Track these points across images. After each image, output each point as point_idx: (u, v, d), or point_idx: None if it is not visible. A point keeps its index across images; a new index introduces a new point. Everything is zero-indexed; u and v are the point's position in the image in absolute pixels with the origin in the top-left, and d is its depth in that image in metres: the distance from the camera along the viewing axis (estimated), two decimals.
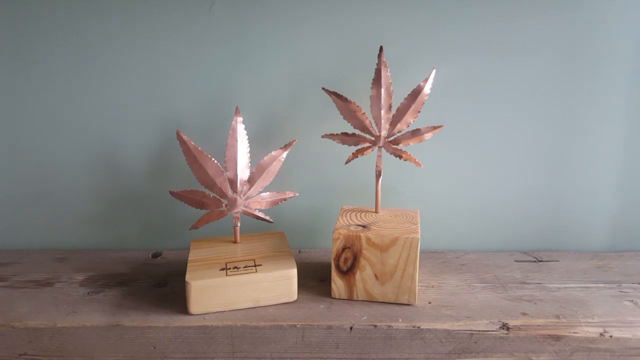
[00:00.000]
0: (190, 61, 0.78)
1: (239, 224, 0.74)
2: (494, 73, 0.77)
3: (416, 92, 0.69)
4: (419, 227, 0.68)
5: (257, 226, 0.80)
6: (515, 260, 0.81)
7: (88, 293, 0.71)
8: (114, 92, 0.79)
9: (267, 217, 0.76)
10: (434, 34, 0.75)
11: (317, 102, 0.78)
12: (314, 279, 0.74)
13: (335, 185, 0.82)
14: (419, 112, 0.70)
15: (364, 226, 0.68)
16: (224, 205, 0.73)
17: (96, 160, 0.82)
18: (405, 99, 0.70)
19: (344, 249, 0.66)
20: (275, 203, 0.76)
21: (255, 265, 0.67)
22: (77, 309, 0.67)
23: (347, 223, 0.68)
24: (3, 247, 0.86)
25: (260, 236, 0.76)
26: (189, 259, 0.70)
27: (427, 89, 0.69)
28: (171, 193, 0.73)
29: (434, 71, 0.70)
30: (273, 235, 0.77)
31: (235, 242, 0.75)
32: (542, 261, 0.81)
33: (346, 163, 0.73)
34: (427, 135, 0.70)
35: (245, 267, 0.67)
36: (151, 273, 0.77)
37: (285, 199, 0.76)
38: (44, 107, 0.80)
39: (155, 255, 0.83)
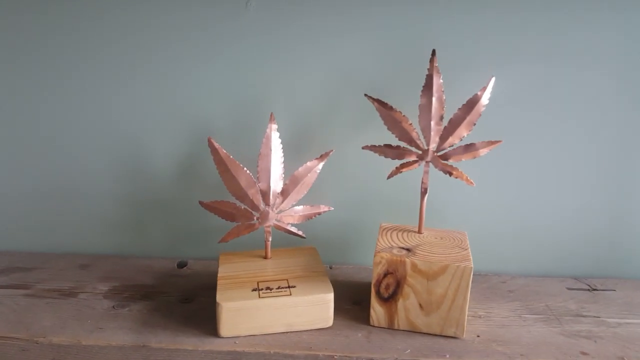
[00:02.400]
0: (224, 62, 0.72)
1: (270, 239, 0.69)
2: (555, 83, 0.70)
3: (472, 103, 0.63)
4: (470, 253, 0.61)
5: (286, 240, 0.75)
6: (567, 288, 0.74)
7: (113, 307, 0.67)
8: (143, 92, 0.74)
9: (300, 232, 0.71)
10: (492, 39, 0.69)
11: (358, 109, 0.72)
12: (348, 300, 0.69)
13: (373, 200, 0.76)
14: (474, 124, 0.63)
15: (408, 250, 0.62)
16: (255, 218, 0.68)
17: (122, 162, 0.77)
18: (459, 109, 0.63)
19: (385, 275, 0.60)
20: (308, 217, 0.70)
21: (289, 287, 0.62)
22: (102, 324, 0.63)
23: (389, 245, 0.63)
24: (25, 250, 0.82)
25: (292, 252, 0.71)
26: (218, 275, 0.65)
27: (484, 99, 0.63)
28: (201, 204, 0.68)
29: (493, 80, 0.63)
30: (305, 251, 0.71)
31: (265, 257, 0.69)
32: (596, 290, 0.74)
33: (388, 178, 0.67)
34: (483, 151, 0.63)
35: (278, 288, 0.62)
36: (177, 285, 0.73)
37: (319, 214, 0.71)
38: (68, 106, 0.76)
39: (181, 265, 0.79)
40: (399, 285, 0.60)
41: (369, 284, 0.62)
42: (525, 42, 0.68)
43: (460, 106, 0.63)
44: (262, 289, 0.61)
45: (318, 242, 0.76)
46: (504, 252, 0.77)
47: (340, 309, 0.66)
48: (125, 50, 0.73)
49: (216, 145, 0.65)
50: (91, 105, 0.75)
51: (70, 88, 0.75)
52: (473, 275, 0.76)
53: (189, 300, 0.69)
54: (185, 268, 0.78)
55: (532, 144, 0.72)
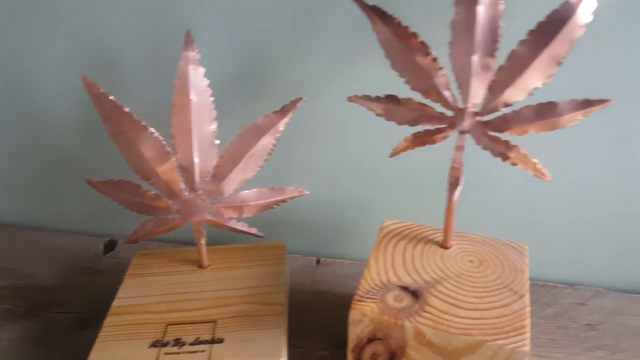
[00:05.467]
0: None
1: (203, 241, 0.43)
2: None
3: (559, 20, 0.31)
4: (528, 305, 0.34)
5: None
6: None
7: None
8: (25, 23, 0.46)
9: (253, 230, 0.45)
10: None
11: (344, 28, 0.41)
12: (328, 334, 0.44)
13: (373, 180, 0.48)
14: (559, 64, 0.32)
15: (414, 294, 0.35)
16: (175, 210, 0.42)
17: (18, 112, 0.52)
18: (530, 33, 0.32)
19: (371, 340, 0.34)
20: (267, 207, 0.44)
21: (212, 340, 0.38)
22: None
23: (383, 281, 0.36)
24: None
25: (245, 253, 0.46)
26: (112, 304, 0.41)
27: (584, 11, 0.31)
28: (89, 183, 0.43)
29: None
30: (266, 252, 0.46)
31: (200, 266, 0.45)
32: None
33: (391, 156, 0.38)
34: (570, 119, 0.32)
35: (195, 341, 0.37)
36: (85, 289, 0.50)
37: (284, 201, 0.44)
38: None
39: (109, 248, 0.56)
40: (393, 358, 0.34)
41: None
42: None
43: (533, 26, 0.31)
44: (167, 344, 0.37)
45: (298, 227, 0.51)
46: (586, 257, 0.49)
47: (310, 355, 0.41)
48: None
49: (94, 87, 0.38)
50: None
51: None
52: (535, 286, 0.49)
53: (89, 322, 0.46)
54: (111, 254, 0.55)
55: None
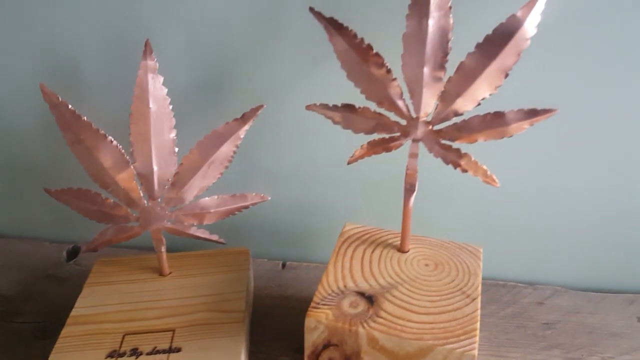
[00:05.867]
0: None
1: (163, 249, 0.43)
2: None
3: (506, 33, 0.32)
4: (479, 308, 0.34)
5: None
6: (639, 319, 0.47)
7: None
8: None
9: (215, 237, 0.45)
10: None
11: (304, 36, 0.42)
12: (290, 339, 0.45)
13: (334, 185, 0.49)
14: (507, 76, 0.33)
15: (370, 299, 0.35)
16: (134, 218, 0.42)
17: None
18: (478, 46, 0.32)
19: (326, 346, 0.35)
20: (228, 214, 0.44)
21: (169, 350, 0.38)
22: None
23: (340, 287, 0.36)
24: None
25: (207, 259, 0.46)
26: (71, 314, 0.41)
27: (530, 25, 0.32)
28: (47, 192, 0.42)
29: None
30: (228, 258, 0.46)
31: (161, 274, 0.44)
32: None
33: (349, 163, 0.38)
34: (517, 127, 0.33)
35: (152, 351, 0.37)
36: (46, 299, 0.50)
37: (246, 207, 0.44)
38: None
39: (72, 254, 0.56)
40: None
41: None
42: None
43: (480, 39, 0.32)
44: (123, 354, 0.37)
45: (264, 229, 0.52)
46: (543, 257, 0.50)
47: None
48: None
49: (53, 96, 0.38)
50: None
51: None
52: (492, 283, 0.50)
53: (45, 334, 0.46)
54: (73, 262, 0.55)
55: (588, 111, 0.41)
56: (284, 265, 0.54)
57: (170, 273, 0.45)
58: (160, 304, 0.42)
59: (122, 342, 0.38)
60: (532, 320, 0.48)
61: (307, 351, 0.35)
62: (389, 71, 0.35)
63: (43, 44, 0.46)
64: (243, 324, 0.40)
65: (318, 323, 0.34)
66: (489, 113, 0.34)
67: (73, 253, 0.56)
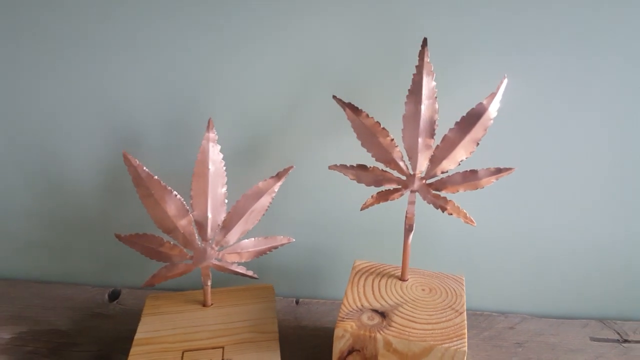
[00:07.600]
0: (150, 55, 0.54)
1: (209, 283, 0.53)
2: (593, 83, 0.51)
3: (475, 115, 0.45)
4: (465, 319, 0.45)
5: None
6: (592, 339, 0.59)
7: None
8: (61, 93, 0.57)
9: (250, 273, 0.55)
10: (504, 24, 0.50)
11: (325, 115, 0.55)
12: (309, 356, 0.54)
13: (347, 230, 0.60)
14: (478, 144, 0.46)
15: (382, 314, 0.46)
16: (188, 257, 0.52)
17: (38, 174, 0.61)
18: (457, 123, 0.45)
19: (350, 352, 0.45)
20: (262, 253, 0.54)
21: None
22: None
23: (358, 305, 0.47)
24: None
25: (240, 294, 0.56)
26: (135, 337, 0.50)
27: (493, 110, 0.45)
28: (118, 237, 0.52)
29: (505, 82, 0.45)
30: (257, 292, 0.56)
31: (205, 304, 0.54)
32: (629, 341, 0.58)
33: (362, 209, 0.50)
34: (487, 181, 0.46)
35: None
36: (98, 332, 0.58)
37: (275, 247, 0.55)
38: None
39: (113, 297, 0.64)
40: None
41: None
42: (541, 27, 0.50)
43: (458, 119, 0.45)
44: None
45: (280, 271, 0.61)
46: (513, 290, 0.62)
47: None
48: (40, 48, 0.55)
49: (133, 161, 0.49)
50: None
51: None
52: (472, 313, 0.61)
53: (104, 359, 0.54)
54: (116, 302, 0.63)
55: (547, 165, 0.55)
56: (297, 302, 0.64)
57: (212, 304, 0.54)
58: (208, 327, 0.51)
59: (182, 357, 0.47)
60: (505, 340, 0.58)
61: (335, 357, 0.45)
62: (392, 140, 0.47)
63: (114, 116, 0.57)
64: (277, 342, 0.49)
65: (345, 332, 0.44)
66: (466, 170, 0.46)
67: (113, 296, 0.65)
